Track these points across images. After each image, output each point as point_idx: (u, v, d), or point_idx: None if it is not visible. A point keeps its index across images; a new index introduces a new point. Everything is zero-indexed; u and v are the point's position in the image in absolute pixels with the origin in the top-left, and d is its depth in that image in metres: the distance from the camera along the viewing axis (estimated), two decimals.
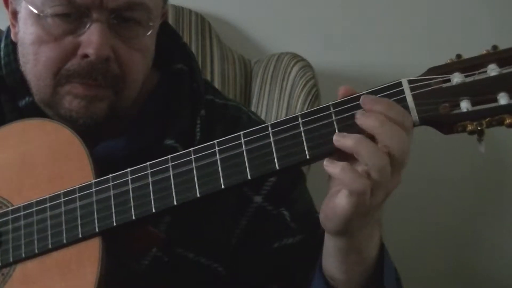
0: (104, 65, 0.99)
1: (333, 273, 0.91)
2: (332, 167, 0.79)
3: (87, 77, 0.99)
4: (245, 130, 0.86)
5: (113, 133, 1.04)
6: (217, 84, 1.79)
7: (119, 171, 0.92)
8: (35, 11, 1.00)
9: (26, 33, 1.02)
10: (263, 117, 1.73)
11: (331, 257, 0.90)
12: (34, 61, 1.01)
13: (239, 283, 1.09)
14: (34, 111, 1.06)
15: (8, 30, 1.10)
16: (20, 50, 1.05)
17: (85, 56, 0.98)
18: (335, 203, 0.81)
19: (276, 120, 0.85)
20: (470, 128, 0.78)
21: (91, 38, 0.97)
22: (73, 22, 0.99)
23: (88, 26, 0.98)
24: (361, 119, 0.80)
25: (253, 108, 1.79)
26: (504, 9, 1.94)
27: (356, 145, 0.79)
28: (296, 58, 1.78)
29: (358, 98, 0.82)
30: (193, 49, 1.81)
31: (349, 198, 0.79)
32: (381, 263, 0.90)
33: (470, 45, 1.92)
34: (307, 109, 1.64)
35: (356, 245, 0.87)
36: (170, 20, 1.81)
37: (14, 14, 1.06)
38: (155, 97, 1.09)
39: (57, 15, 0.98)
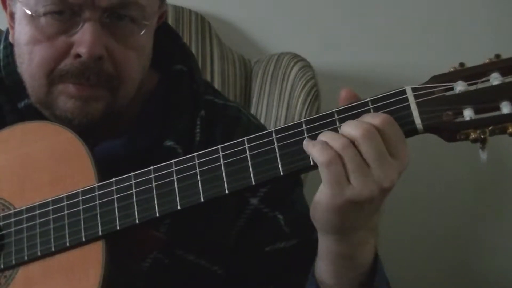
0: (97, 65, 0.98)
1: (323, 277, 0.91)
2: (307, 145, 0.82)
3: (80, 77, 0.98)
4: (245, 131, 0.87)
5: (113, 134, 1.04)
6: (217, 84, 1.79)
7: (119, 172, 0.92)
8: (29, 12, 0.99)
9: (21, 33, 1.02)
10: (263, 117, 1.73)
11: (322, 260, 0.90)
12: (29, 61, 1.01)
13: (237, 285, 1.09)
14: (33, 112, 1.05)
15: (7, 31, 1.09)
16: (16, 50, 1.05)
17: (78, 55, 0.98)
18: (317, 192, 0.83)
19: (277, 120, 0.85)
20: (473, 136, 0.78)
21: (84, 37, 0.97)
22: (66, 22, 0.98)
23: (81, 25, 0.98)
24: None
25: (253, 108, 1.79)
26: (504, 9, 1.94)
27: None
28: (296, 58, 1.78)
29: (361, 105, 0.83)
30: (193, 49, 1.81)
31: (323, 177, 0.80)
32: (374, 273, 0.90)
33: (469, 45, 1.93)
34: (307, 109, 1.64)
35: (347, 249, 0.87)
36: (170, 20, 1.81)
37: (12, 16, 1.06)
38: (155, 98, 1.09)
39: (50, 13, 0.98)
